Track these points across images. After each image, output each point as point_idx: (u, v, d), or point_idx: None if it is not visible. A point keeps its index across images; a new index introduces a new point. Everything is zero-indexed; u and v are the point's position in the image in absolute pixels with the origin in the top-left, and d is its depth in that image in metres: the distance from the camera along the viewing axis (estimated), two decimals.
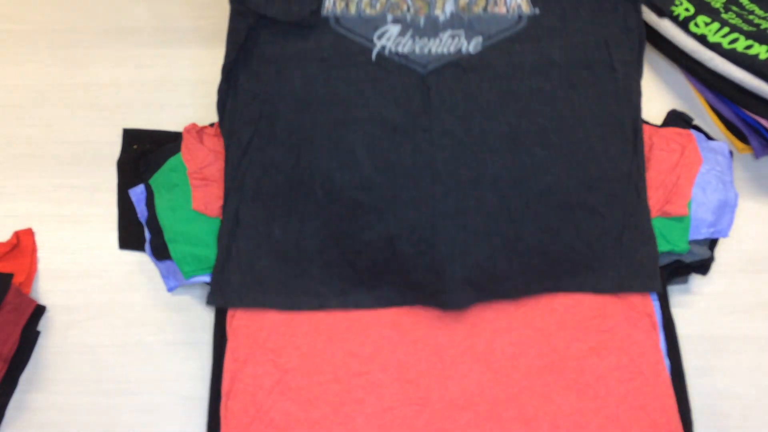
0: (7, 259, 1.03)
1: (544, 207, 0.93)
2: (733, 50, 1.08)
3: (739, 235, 1.07)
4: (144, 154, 1.10)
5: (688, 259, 1.01)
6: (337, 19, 0.99)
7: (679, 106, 1.17)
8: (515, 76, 0.95)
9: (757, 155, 1.10)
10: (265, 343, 0.94)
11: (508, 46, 0.97)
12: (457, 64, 0.96)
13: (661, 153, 1.06)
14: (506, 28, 0.99)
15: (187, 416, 0.95)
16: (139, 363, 0.99)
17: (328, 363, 0.93)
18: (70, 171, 1.12)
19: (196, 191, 1.02)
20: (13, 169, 1.12)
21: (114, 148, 1.14)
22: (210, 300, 0.95)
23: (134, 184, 1.08)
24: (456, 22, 0.98)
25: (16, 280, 1.00)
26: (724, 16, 1.12)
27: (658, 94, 1.19)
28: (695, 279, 1.04)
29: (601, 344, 0.94)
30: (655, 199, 1.02)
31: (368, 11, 0.99)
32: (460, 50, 0.97)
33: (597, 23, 1.00)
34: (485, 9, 0.99)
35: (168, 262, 1.01)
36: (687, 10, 1.13)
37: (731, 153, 1.10)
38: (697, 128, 1.12)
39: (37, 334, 0.99)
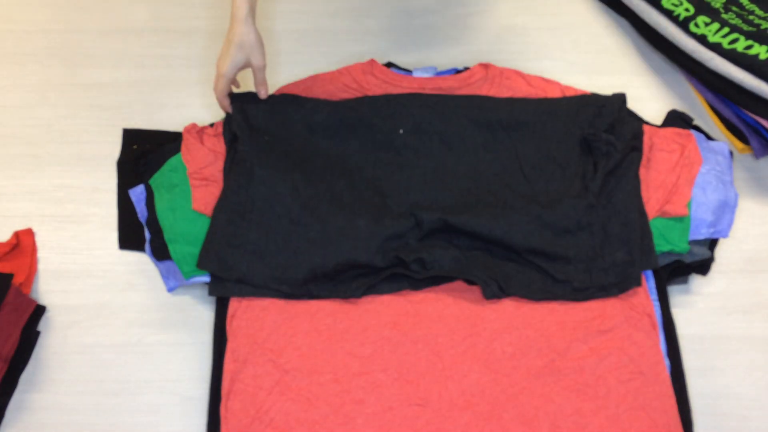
0: (7, 259, 1.03)
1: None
2: (733, 50, 1.08)
3: (739, 235, 1.07)
4: (144, 154, 1.10)
5: (688, 260, 1.01)
6: None
7: (679, 106, 1.17)
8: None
9: (757, 155, 1.10)
10: (265, 343, 0.94)
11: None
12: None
13: (661, 153, 1.06)
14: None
15: (187, 416, 0.95)
16: (139, 363, 0.99)
17: (328, 363, 0.93)
18: (70, 171, 1.12)
19: (196, 191, 1.02)
20: (13, 169, 1.12)
21: (114, 148, 1.14)
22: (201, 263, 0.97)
23: (134, 184, 1.08)
24: None
25: (16, 280, 1.00)
26: (724, 16, 1.12)
27: (658, 94, 1.19)
28: (695, 279, 1.04)
29: (601, 344, 0.94)
30: (655, 199, 1.02)
31: None
32: None
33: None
34: None
35: (168, 262, 1.01)
36: (687, 10, 1.13)
37: (731, 153, 1.10)
38: (697, 128, 1.12)
39: (37, 334, 0.99)
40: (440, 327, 0.95)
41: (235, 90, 1.07)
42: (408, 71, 1.16)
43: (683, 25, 1.13)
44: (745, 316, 1.02)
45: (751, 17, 1.12)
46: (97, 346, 1.00)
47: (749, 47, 1.07)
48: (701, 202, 1.03)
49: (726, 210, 1.04)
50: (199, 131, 1.07)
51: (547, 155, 1.04)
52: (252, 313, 0.96)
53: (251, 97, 1.07)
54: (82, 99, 1.18)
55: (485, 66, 1.14)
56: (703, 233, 1.02)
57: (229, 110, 1.05)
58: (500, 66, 1.15)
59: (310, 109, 1.07)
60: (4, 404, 0.95)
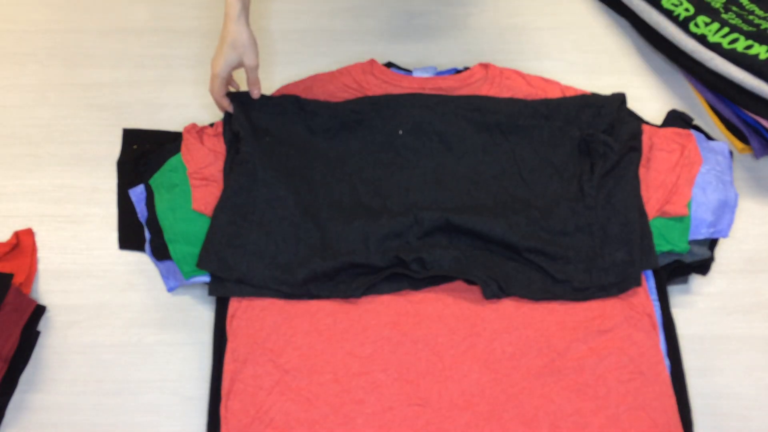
0: (7, 259, 1.03)
1: None
2: (733, 50, 1.08)
3: (739, 235, 1.07)
4: (144, 154, 1.10)
5: (688, 259, 1.01)
6: None
7: (679, 106, 1.17)
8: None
9: (757, 155, 1.10)
10: (265, 343, 0.94)
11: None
12: None
13: (661, 153, 1.06)
14: None
15: (187, 416, 0.95)
16: (139, 363, 0.99)
17: (328, 363, 0.93)
18: (70, 171, 1.12)
19: (196, 191, 1.02)
20: (13, 169, 1.12)
21: (114, 148, 1.14)
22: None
23: (134, 184, 1.08)
24: None
25: (16, 280, 1.00)
26: (724, 16, 1.12)
27: (658, 94, 1.19)
28: (695, 279, 1.04)
29: (601, 344, 0.94)
30: (655, 199, 1.02)
31: None
32: None
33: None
34: None
35: (168, 262, 1.01)
36: (687, 10, 1.13)
37: (731, 153, 1.10)
38: (697, 128, 1.12)
39: (37, 334, 0.99)
40: (440, 327, 0.95)
41: (232, 90, 1.07)
42: (408, 71, 1.16)
43: (683, 25, 1.13)
44: (745, 316, 1.02)
45: (751, 17, 1.12)
46: (97, 346, 1.00)
47: (749, 47, 1.07)
48: (701, 202, 1.03)
49: (726, 210, 1.04)
50: (199, 131, 1.07)
51: (545, 159, 1.04)
52: (252, 313, 0.96)
53: (250, 96, 1.07)
54: (82, 99, 1.18)
55: (485, 66, 1.14)
56: (703, 233, 1.02)
57: (229, 109, 1.05)
58: (500, 66, 1.15)
59: (311, 111, 1.07)
60: (4, 404, 0.95)
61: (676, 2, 1.15)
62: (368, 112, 1.07)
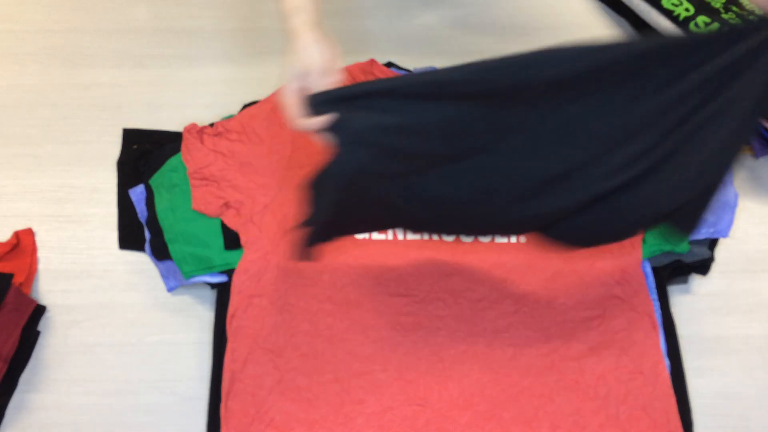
0: (7, 259, 1.03)
1: None
2: None
3: (739, 235, 1.07)
4: (144, 154, 1.10)
5: (688, 259, 1.01)
6: None
7: None
8: None
9: (757, 155, 1.10)
10: (265, 343, 0.94)
11: None
12: None
13: None
14: None
15: (187, 416, 0.95)
16: (139, 363, 0.99)
17: (328, 363, 0.93)
18: (70, 171, 1.12)
19: (196, 191, 1.02)
20: (13, 169, 1.12)
21: (114, 148, 1.14)
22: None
23: (134, 184, 1.08)
24: None
25: (16, 280, 1.00)
26: (724, 16, 1.12)
27: None
28: (695, 279, 1.04)
29: (601, 344, 0.94)
30: None
31: None
32: None
33: None
34: None
35: (168, 262, 1.01)
36: (687, 10, 1.13)
37: None
38: None
39: (37, 334, 0.99)
40: (440, 327, 0.95)
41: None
42: (408, 71, 1.16)
43: (683, 25, 1.13)
44: (745, 316, 1.02)
45: (751, 17, 1.12)
46: (97, 346, 1.00)
47: None
48: None
49: (726, 210, 1.04)
50: (199, 131, 1.07)
51: None
52: (252, 313, 0.96)
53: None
54: (82, 99, 1.18)
55: None
56: (703, 233, 1.02)
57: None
58: None
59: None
60: (4, 404, 0.95)
61: (677, 2, 1.15)
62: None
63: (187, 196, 1.02)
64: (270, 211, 1.01)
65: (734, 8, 1.14)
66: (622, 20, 1.26)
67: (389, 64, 1.17)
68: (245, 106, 1.12)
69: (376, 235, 1.01)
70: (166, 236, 1.00)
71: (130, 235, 1.06)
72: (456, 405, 0.91)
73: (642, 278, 0.98)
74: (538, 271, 0.99)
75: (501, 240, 1.00)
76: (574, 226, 0.85)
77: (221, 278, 1.00)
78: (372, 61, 1.14)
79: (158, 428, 0.95)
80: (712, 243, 1.04)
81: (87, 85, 1.19)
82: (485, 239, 1.01)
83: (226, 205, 1.02)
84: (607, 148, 0.80)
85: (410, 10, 1.28)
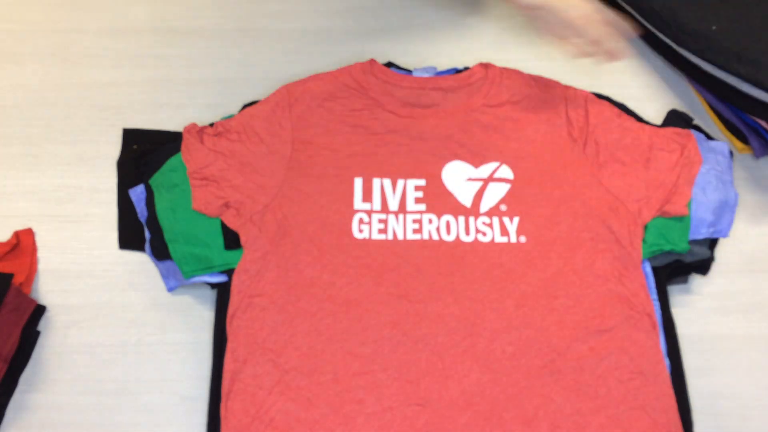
0: (7, 259, 1.03)
1: None
2: None
3: (739, 235, 1.07)
4: (144, 154, 1.10)
5: (688, 259, 1.01)
6: None
7: (679, 106, 1.17)
8: None
9: (757, 155, 1.10)
10: (265, 343, 0.94)
11: None
12: None
13: (661, 153, 1.06)
14: None
15: (187, 416, 0.95)
16: (139, 363, 0.99)
17: (328, 363, 0.93)
18: (70, 171, 1.12)
19: (196, 191, 1.02)
20: (13, 169, 1.12)
21: (114, 148, 1.14)
22: None
23: (134, 184, 1.08)
24: None
25: (16, 280, 1.00)
26: None
27: (658, 94, 1.19)
28: (695, 279, 1.04)
29: (601, 344, 0.94)
30: (655, 198, 1.02)
31: None
32: None
33: None
34: None
35: (168, 262, 1.01)
36: None
37: (731, 153, 1.10)
38: (697, 128, 1.12)
39: (37, 334, 0.99)
40: (440, 327, 0.95)
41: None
42: (408, 71, 1.16)
43: None
44: (745, 316, 1.02)
45: None
46: (97, 346, 1.00)
47: None
48: (701, 202, 1.03)
49: (726, 210, 1.04)
50: (199, 131, 1.07)
51: None
52: (252, 313, 0.96)
53: None
54: (82, 99, 1.18)
55: (485, 66, 1.14)
56: (703, 233, 1.02)
57: None
58: (500, 66, 1.15)
59: None
60: (4, 404, 0.95)
61: None
62: None
63: (187, 196, 1.02)
64: (270, 211, 1.01)
65: None
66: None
67: (389, 64, 1.17)
68: (245, 106, 1.12)
69: (376, 235, 1.01)
70: (166, 236, 1.01)
71: (130, 235, 1.06)
72: (456, 405, 0.91)
73: (642, 278, 0.98)
74: (538, 271, 0.99)
75: (501, 240, 1.00)
76: None
77: (221, 278, 1.00)
78: (372, 61, 1.14)
79: (158, 428, 0.95)
80: (712, 243, 1.04)
81: (87, 85, 1.19)
82: (485, 239, 1.01)
83: (226, 205, 1.02)
84: None
85: (410, 10, 1.28)
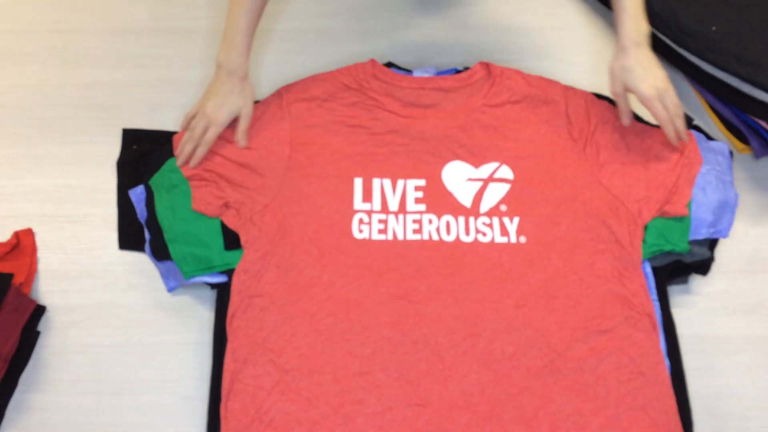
0: (7, 259, 1.03)
1: None
2: None
3: (739, 235, 1.07)
4: (144, 154, 1.10)
5: (688, 260, 1.01)
6: None
7: None
8: None
9: (757, 155, 1.10)
10: (265, 343, 0.94)
11: None
12: None
13: (661, 153, 1.06)
14: None
15: (187, 416, 0.95)
16: (139, 363, 0.99)
17: (328, 363, 0.93)
18: (70, 171, 1.12)
19: (195, 192, 1.02)
20: (13, 169, 1.12)
21: (114, 148, 1.14)
22: None
23: (134, 184, 1.08)
24: None
25: (16, 280, 1.00)
26: None
27: None
28: (695, 279, 1.04)
29: (601, 344, 0.94)
30: (655, 199, 1.02)
31: None
32: None
33: None
34: None
35: (168, 262, 1.01)
36: None
37: (731, 153, 1.10)
38: (697, 128, 1.12)
39: (37, 334, 0.99)
40: (440, 327, 0.95)
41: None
42: (408, 71, 1.16)
43: None
44: (745, 316, 1.02)
45: None
46: (97, 346, 1.00)
47: None
48: (701, 202, 1.03)
49: (726, 210, 1.04)
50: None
51: None
52: (252, 313, 0.96)
53: None
54: (82, 99, 1.18)
55: (486, 65, 1.14)
56: (703, 233, 1.02)
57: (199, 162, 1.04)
58: (500, 66, 1.15)
59: None
60: (4, 404, 0.95)
61: None
62: None
63: (187, 196, 1.02)
64: (270, 211, 1.01)
65: None
66: None
67: (389, 64, 1.17)
68: None
69: (376, 235, 1.01)
70: (166, 236, 1.01)
71: (130, 236, 1.06)
72: (456, 405, 0.91)
73: (642, 278, 0.98)
74: (538, 271, 0.99)
75: (501, 240, 1.01)
76: None
77: (221, 278, 1.00)
78: (372, 61, 1.14)
79: (158, 428, 0.95)
80: (712, 243, 1.04)
81: (87, 85, 1.20)
82: (485, 239, 1.01)
83: (226, 205, 1.02)
84: None
85: (410, 11, 1.28)
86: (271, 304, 0.96)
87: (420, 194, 1.04)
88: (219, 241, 1.00)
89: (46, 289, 1.03)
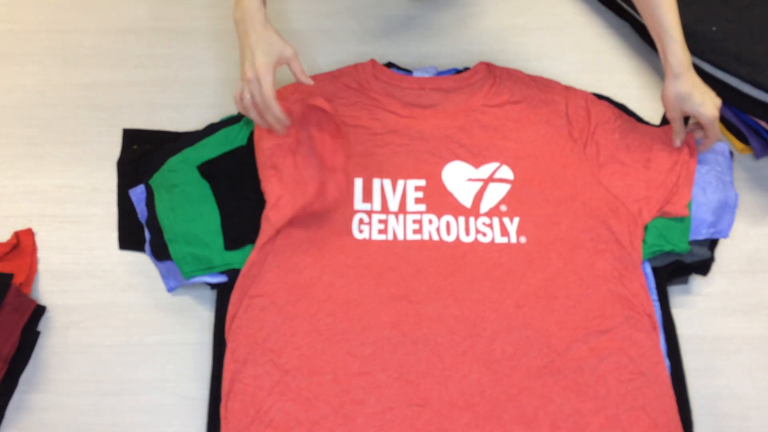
0: (7, 259, 1.03)
1: None
2: None
3: (739, 235, 1.07)
4: (144, 154, 1.10)
5: (688, 260, 1.01)
6: None
7: None
8: None
9: (757, 156, 1.10)
10: (265, 343, 0.94)
11: None
12: None
13: (661, 153, 1.06)
14: None
15: (187, 416, 0.95)
16: (139, 363, 0.99)
17: (328, 363, 0.93)
18: (70, 171, 1.12)
19: (266, 184, 1.02)
20: (13, 169, 1.12)
21: (114, 148, 1.14)
22: None
23: (134, 184, 1.08)
24: None
25: (16, 280, 1.00)
26: None
27: (658, 94, 1.19)
28: (695, 279, 1.04)
29: (601, 344, 0.94)
30: (655, 199, 1.02)
31: None
32: None
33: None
34: None
35: (168, 262, 1.01)
36: None
37: (731, 153, 1.10)
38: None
39: (37, 334, 0.99)
40: (440, 327, 0.95)
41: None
42: (408, 71, 1.16)
43: None
44: (745, 316, 1.02)
45: None
46: (97, 346, 1.00)
47: None
48: (701, 202, 1.03)
49: (726, 210, 1.04)
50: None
51: None
52: (252, 314, 0.96)
53: None
54: (82, 99, 1.18)
55: (486, 65, 1.14)
56: (703, 233, 1.02)
57: (284, 117, 0.99)
58: (500, 66, 1.15)
59: None
60: (4, 404, 0.95)
61: None
62: None
63: (186, 196, 1.02)
64: (276, 209, 1.01)
65: None
66: (622, 21, 1.26)
67: (389, 64, 1.17)
68: None
69: (376, 235, 1.01)
70: (166, 236, 1.01)
71: (130, 236, 1.06)
72: (456, 405, 0.91)
73: (642, 278, 0.98)
74: (538, 271, 0.99)
75: (501, 240, 1.01)
76: None
77: (221, 278, 1.00)
78: (372, 61, 1.14)
79: (158, 428, 0.95)
80: (712, 243, 1.04)
81: (87, 85, 1.19)
82: (485, 239, 1.01)
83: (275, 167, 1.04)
84: None
85: (410, 10, 1.28)
86: (271, 304, 0.96)
87: (420, 194, 1.04)
88: (219, 241, 1.00)
89: (46, 289, 1.03)
